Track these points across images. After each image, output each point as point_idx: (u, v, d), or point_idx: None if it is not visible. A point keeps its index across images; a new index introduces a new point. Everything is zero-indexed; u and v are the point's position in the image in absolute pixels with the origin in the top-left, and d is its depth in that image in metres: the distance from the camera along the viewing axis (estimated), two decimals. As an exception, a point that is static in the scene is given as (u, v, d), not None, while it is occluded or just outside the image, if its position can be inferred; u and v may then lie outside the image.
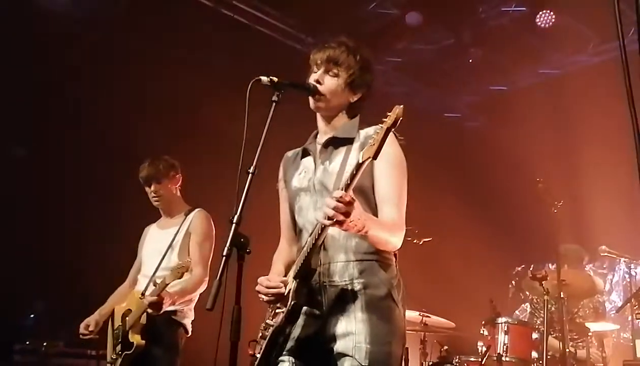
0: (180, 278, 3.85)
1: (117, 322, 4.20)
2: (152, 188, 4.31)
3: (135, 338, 3.97)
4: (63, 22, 5.96)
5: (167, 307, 3.92)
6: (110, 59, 6.24)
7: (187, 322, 4.20)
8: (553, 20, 6.29)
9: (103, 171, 6.20)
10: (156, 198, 4.34)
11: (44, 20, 5.88)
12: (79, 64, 6.14)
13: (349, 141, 2.45)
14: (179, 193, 4.44)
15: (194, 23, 6.36)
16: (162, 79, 6.23)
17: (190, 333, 4.22)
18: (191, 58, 6.39)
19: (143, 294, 4.12)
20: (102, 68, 6.23)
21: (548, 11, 6.30)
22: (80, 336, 4.26)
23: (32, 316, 6.31)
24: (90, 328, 4.25)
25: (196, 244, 4.22)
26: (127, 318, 4.10)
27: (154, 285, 3.95)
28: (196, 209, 4.37)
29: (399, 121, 1.99)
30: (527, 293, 6.09)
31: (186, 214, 4.34)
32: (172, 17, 6.21)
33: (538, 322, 5.54)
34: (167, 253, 4.23)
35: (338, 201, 2.01)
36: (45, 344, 5.61)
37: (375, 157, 1.99)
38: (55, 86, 6.05)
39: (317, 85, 2.47)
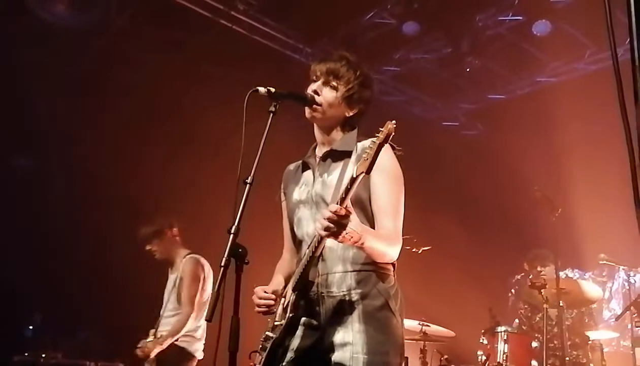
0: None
1: None
2: (151, 246, 4.80)
3: None
4: (65, 34, 5.98)
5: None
6: (111, 70, 6.26)
7: (194, 349, 4.54)
8: (550, 28, 6.31)
9: (99, 183, 6.21)
10: (155, 254, 4.82)
11: (44, 32, 5.90)
12: (82, 75, 6.17)
13: (347, 154, 2.44)
14: (177, 242, 4.88)
15: (193, 34, 6.38)
16: (161, 89, 6.24)
17: (201, 357, 4.55)
18: (190, 68, 6.40)
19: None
20: (101, 80, 6.26)
21: (544, 20, 6.32)
22: None
23: (30, 327, 6.30)
24: None
25: (185, 286, 4.69)
26: None
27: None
28: (188, 256, 4.80)
29: (391, 136, 2.01)
30: (521, 303, 6.06)
31: (181, 261, 4.81)
32: (171, 28, 6.23)
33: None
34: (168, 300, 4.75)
35: (333, 213, 2.02)
36: (43, 355, 5.61)
37: (368, 172, 2.00)
38: (55, 98, 6.06)
39: (315, 95, 2.48)
